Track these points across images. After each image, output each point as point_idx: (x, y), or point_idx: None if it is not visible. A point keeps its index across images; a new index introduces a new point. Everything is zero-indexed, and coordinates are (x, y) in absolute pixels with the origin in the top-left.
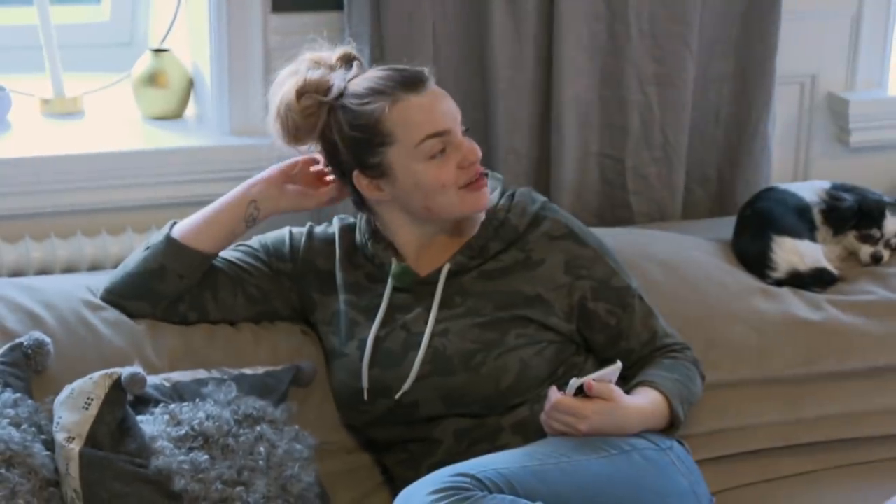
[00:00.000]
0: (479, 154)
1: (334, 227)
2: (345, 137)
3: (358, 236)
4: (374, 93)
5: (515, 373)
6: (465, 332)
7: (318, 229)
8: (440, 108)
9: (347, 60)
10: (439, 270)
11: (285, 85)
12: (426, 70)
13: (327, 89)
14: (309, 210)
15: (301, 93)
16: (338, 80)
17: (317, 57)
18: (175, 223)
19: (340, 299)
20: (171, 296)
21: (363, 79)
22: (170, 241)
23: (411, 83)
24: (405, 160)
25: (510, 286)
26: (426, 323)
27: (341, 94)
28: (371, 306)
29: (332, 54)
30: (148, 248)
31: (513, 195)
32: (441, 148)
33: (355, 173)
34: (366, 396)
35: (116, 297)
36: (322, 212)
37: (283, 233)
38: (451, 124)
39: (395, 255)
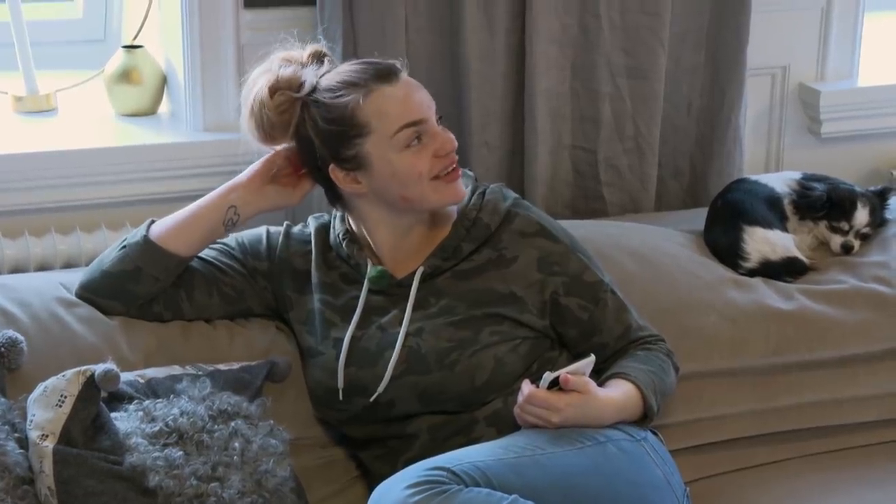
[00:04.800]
0: (455, 144)
1: (310, 228)
2: (320, 132)
3: (332, 236)
4: (348, 85)
5: (490, 370)
6: (440, 331)
7: (295, 229)
8: (415, 97)
9: (318, 57)
10: (413, 273)
11: (258, 83)
12: (398, 62)
13: (299, 85)
14: (290, 207)
15: (274, 89)
16: (309, 75)
17: (287, 55)
18: (153, 221)
19: (316, 299)
20: (145, 297)
21: (335, 73)
22: (147, 243)
23: (384, 74)
24: (381, 150)
25: (484, 285)
26: (401, 324)
27: (314, 90)
28: (347, 307)
29: (303, 52)
30: (125, 245)
31: (483, 193)
32: (416, 136)
33: (331, 167)
34: (341, 396)
35: (90, 293)
36: (297, 209)
37: (260, 231)
38: (426, 113)
39: (370, 257)
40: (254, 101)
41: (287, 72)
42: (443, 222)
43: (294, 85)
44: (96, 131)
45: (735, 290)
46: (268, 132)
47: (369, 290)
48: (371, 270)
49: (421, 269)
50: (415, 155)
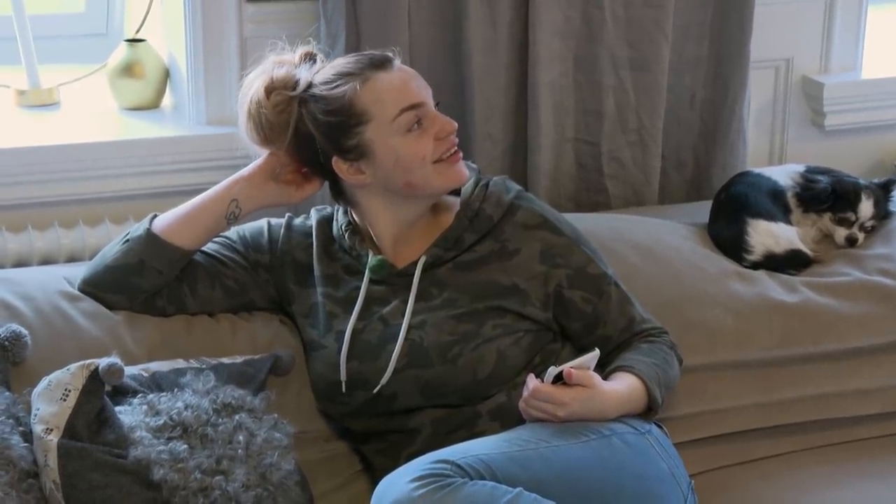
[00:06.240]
0: (455, 126)
1: (312, 220)
2: (319, 125)
3: (335, 228)
4: (344, 75)
5: (493, 363)
6: (442, 325)
7: (297, 221)
8: (411, 82)
9: (310, 58)
10: (415, 263)
11: (253, 86)
12: (392, 51)
13: (294, 84)
14: (292, 205)
15: (270, 90)
16: (304, 73)
17: (280, 58)
18: (155, 216)
19: (318, 292)
20: (148, 290)
21: (330, 67)
22: (150, 236)
23: (379, 62)
24: (383, 137)
25: (486, 277)
26: (403, 315)
27: (309, 86)
28: (348, 299)
29: (295, 55)
30: (127, 240)
31: (487, 185)
32: (417, 120)
33: (334, 160)
34: (344, 389)
35: (93, 288)
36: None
37: (262, 224)
38: (424, 97)
39: (371, 248)
40: (251, 104)
41: (281, 72)
42: (445, 213)
43: (289, 84)
44: (99, 125)
45: (739, 283)
46: (267, 134)
47: (370, 281)
48: (371, 260)
49: (423, 259)
50: (416, 139)
